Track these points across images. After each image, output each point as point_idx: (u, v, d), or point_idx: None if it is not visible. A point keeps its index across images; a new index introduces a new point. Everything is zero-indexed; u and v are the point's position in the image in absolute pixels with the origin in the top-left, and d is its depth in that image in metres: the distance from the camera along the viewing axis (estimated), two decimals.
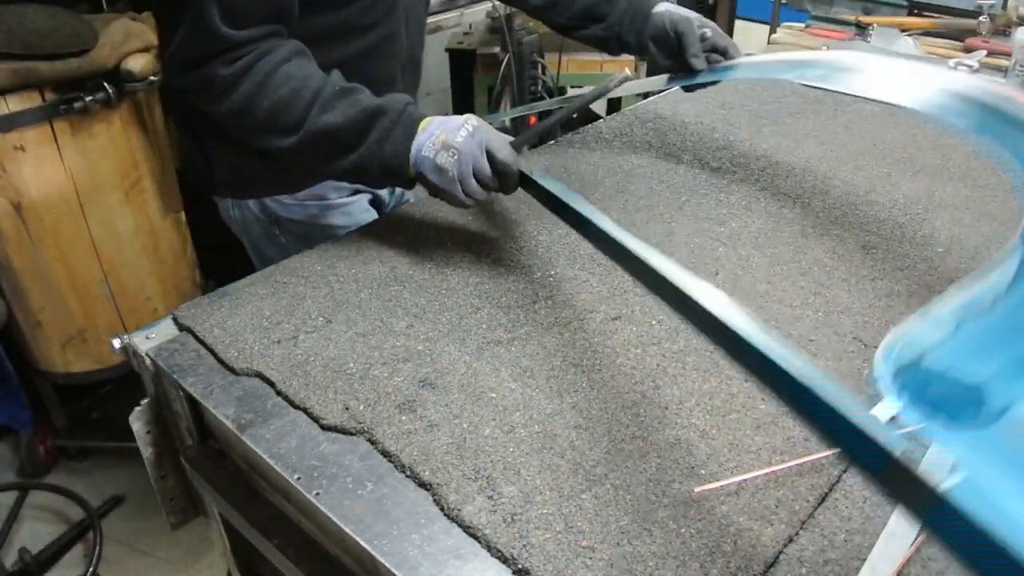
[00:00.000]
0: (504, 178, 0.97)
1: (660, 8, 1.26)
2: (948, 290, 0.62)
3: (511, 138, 1.00)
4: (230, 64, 0.98)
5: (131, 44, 1.80)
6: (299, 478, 0.72)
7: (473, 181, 0.97)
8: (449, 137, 0.95)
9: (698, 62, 1.20)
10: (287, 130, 0.99)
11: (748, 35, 3.74)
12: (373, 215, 1.31)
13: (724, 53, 1.21)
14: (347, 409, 0.79)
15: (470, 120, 0.97)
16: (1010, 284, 0.61)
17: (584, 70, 2.68)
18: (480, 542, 0.66)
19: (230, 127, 1.05)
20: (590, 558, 0.64)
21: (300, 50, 1.02)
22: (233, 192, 1.27)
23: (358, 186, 1.28)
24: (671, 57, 1.24)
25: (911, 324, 0.59)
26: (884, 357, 0.57)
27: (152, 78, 1.86)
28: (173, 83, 1.04)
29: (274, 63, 0.98)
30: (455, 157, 0.95)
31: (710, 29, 1.21)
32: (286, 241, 1.29)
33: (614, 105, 2.87)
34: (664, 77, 1.28)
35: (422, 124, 0.99)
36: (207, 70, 0.98)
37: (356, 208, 1.30)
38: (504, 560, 0.64)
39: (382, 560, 0.64)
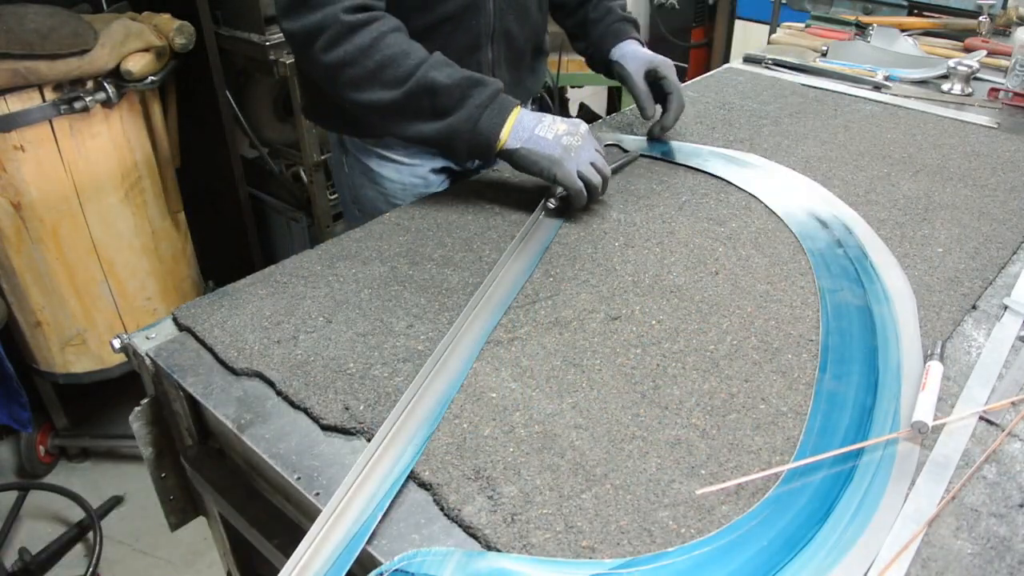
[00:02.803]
0: (605, 178, 1.12)
1: (616, 55, 1.37)
2: None
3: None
4: (353, 12, 1.06)
5: (131, 44, 1.80)
6: (299, 478, 0.72)
7: (591, 163, 1.10)
8: (571, 128, 1.10)
9: (646, 111, 1.34)
10: (394, 82, 1.06)
11: (748, 35, 3.74)
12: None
13: (665, 100, 1.34)
14: (347, 409, 0.79)
15: (583, 123, 1.12)
16: None
17: (584, 70, 2.67)
18: (480, 542, 0.66)
19: (327, 80, 1.11)
20: (590, 558, 0.64)
21: (403, 27, 1.11)
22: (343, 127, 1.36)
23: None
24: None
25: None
26: None
27: (152, 78, 1.86)
28: (291, 24, 1.09)
29: (388, 28, 1.08)
30: (578, 142, 1.09)
31: (655, 74, 1.33)
32: (349, 170, 1.40)
33: (614, 105, 2.87)
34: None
35: (516, 110, 1.10)
36: (331, 10, 1.05)
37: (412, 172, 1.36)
38: None
39: (382, 560, 0.64)
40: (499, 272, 1.00)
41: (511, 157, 1.11)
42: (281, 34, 2.06)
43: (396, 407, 0.78)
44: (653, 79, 1.34)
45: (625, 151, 1.34)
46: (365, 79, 1.07)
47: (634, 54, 1.35)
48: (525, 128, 1.09)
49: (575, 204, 1.13)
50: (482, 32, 1.25)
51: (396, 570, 0.62)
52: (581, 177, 1.10)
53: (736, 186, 1.23)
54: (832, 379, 0.83)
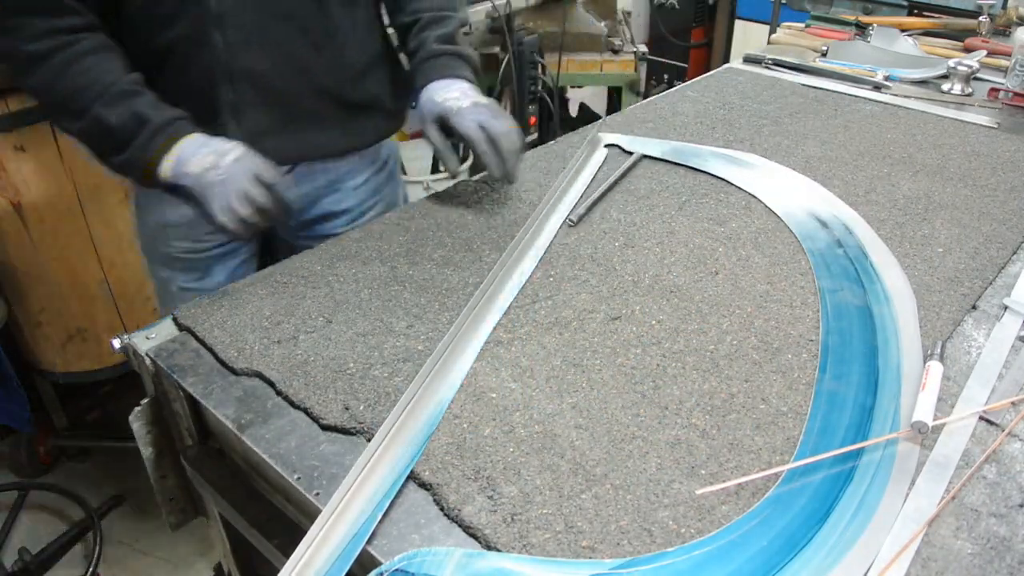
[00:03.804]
0: (276, 201, 1.02)
1: (423, 96, 1.17)
2: None
3: (280, 170, 1.05)
4: (38, 40, 1.00)
5: None
6: (299, 478, 0.72)
7: (238, 203, 0.99)
8: (216, 159, 1.00)
9: (447, 162, 1.18)
10: (76, 115, 1.03)
11: (748, 35, 3.75)
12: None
13: (495, 142, 1.11)
14: (347, 409, 0.79)
15: (238, 147, 1.02)
16: None
17: (584, 70, 2.69)
18: (480, 542, 0.66)
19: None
20: (590, 558, 0.64)
21: (108, 45, 1.05)
22: None
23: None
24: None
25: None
26: None
27: None
28: None
29: (77, 53, 1.01)
30: (221, 176, 0.99)
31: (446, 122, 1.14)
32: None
33: (614, 105, 2.87)
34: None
35: (187, 138, 1.03)
36: (11, 41, 1.00)
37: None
38: None
39: (382, 561, 0.64)
40: (499, 272, 1.00)
41: (177, 193, 1.04)
42: None
43: (396, 407, 0.78)
44: (446, 127, 1.15)
45: (627, 152, 1.34)
46: (55, 109, 1.08)
47: (426, 97, 1.16)
48: (180, 162, 1.02)
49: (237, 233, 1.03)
50: (215, 69, 1.09)
51: (396, 570, 0.62)
52: (232, 211, 0.99)
53: (736, 186, 1.23)
54: (832, 379, 0.83)
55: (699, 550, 0.64)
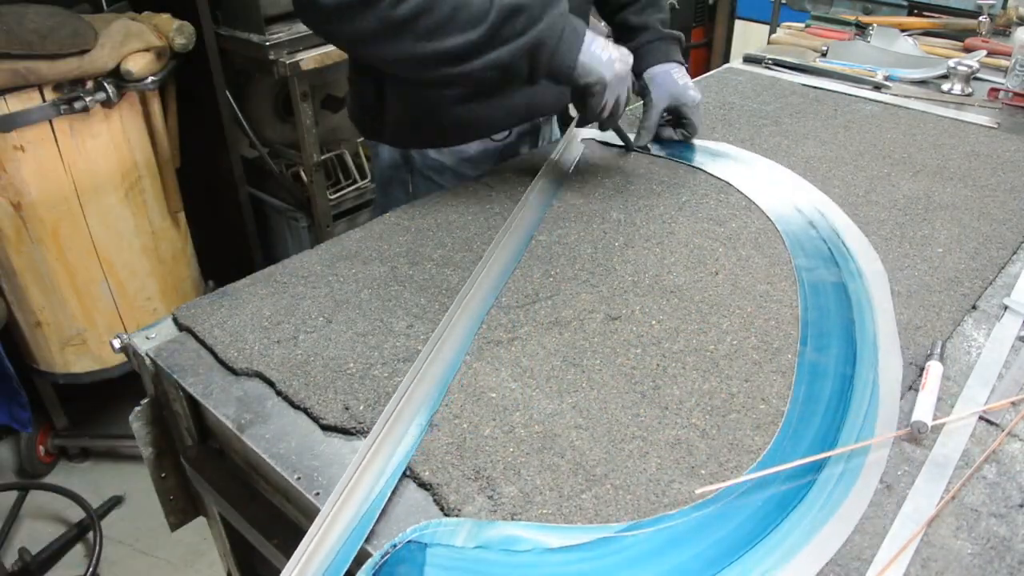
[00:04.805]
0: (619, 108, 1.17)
1: (648, 74, 1.35)
2: None
3: None
4: None
5: (131, 44, 1.80)
6: (299, 478, 0.72)
7: (623, 99, 1.15)
8: (623, 56, 1.13)
9: (641, 137, 1.34)
10: (475, 20, 1.04)
11: (748, 35, 3.75)
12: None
13: (688, 127, 1.35)
14: (347, 409, 0.79)
15: (628, 55, 1.15)
16: None
17: None
18: None
19: (394, 36, 1.05)
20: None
21: None
22: (395, 140, 1.35)
23: (494, 137, 1.36)
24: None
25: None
26: None
27: (152, 78, 1.86)
28: None
29: None
30: (624, 71, 1.13)
31: (680, 108, 1.32)
32: (414, 185, 1.38)
33: None
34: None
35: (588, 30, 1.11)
36: None
37: (485, 156, 1.37)
38: None
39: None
40: (490, 256, 1.01)
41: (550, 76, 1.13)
42: (281, 34, 2.08)
43: (389, 403, 0.78)
44: (675, 115, 1.35)
45: (606, 143, 1.38)
46: (442, 26, 1.04)
47: (663, 81, 1.34)
48: (589, 42, 1.11)
49: (585, 119, 1.18)
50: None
51: (410, 541, 0.64)
52: (614, 108, 1.14)
53: (717, 177, 1.26)
54: (813, 351, 0.87)
55: (699, 512, 0.68)
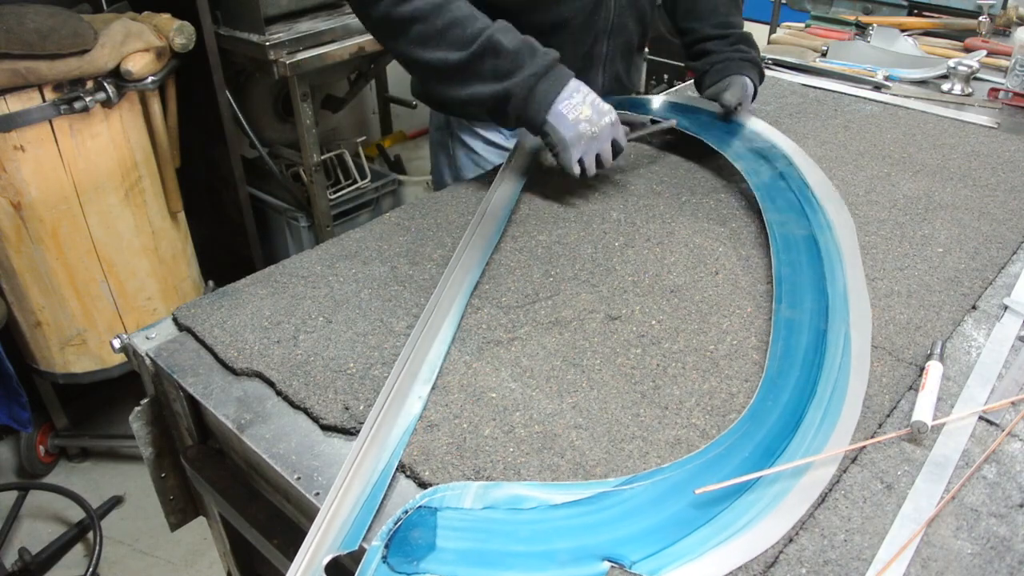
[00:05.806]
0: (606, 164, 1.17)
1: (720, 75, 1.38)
2: None
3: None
4: None
5: (131, 44, 1.80)
6: (299, 478, 0.72)
7: (597, 154, 1.14)
8: (595, 116, 1.11)
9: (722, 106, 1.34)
10: (460, 43, 1.08)
11: None
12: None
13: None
14: (347, 409, 0.79)
15: (612, 112, 1.14)
16: None
17: None
18: None
19: (391, 35, 1.11)
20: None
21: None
22: (430, 102, 1.42)
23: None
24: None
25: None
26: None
27: (152, 78, 1.86)
28: None
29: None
30: (594, 132, 1.12)
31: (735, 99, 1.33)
32: (453, 150, 1.46)
33: None
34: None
35: (571, 80, 1.11)
36: None
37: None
38: None
39: None
40: (458, 260, 1.01)
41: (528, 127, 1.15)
42: (281, 34, 2.08)
43: (378, 399, 0.78)
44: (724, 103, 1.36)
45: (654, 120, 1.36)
46: (432, 37, 1.08)
47: (732, 83, 1.35)
48: (559, 102, 1.11)
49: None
50: (600, 28, 1.32)
51: (420, 506, 0.66)
52: (580, 163, 1.14)
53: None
54: (788, 308, 0.91)
55: (692, 463, 0.72)
